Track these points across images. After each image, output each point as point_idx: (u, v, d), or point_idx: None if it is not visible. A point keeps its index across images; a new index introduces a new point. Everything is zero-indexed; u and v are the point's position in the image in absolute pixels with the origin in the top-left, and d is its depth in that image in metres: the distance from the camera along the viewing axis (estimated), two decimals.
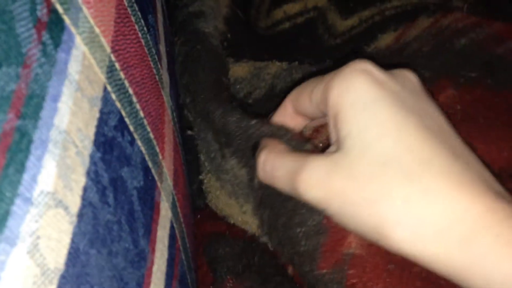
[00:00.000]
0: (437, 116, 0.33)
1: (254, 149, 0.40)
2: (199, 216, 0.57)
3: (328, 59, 0.59)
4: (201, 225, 0.55)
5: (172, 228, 0.37)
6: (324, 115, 0.36)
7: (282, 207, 0.37)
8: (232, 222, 0.51)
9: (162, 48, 0.43)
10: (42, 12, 0.22)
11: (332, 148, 0.34)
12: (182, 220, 0.41)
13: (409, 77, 0.35)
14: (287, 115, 0.40)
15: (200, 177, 0.54)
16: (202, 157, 0.52)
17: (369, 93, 0.31)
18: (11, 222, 0.20)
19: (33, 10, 0.22)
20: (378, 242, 0.30)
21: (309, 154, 0.34)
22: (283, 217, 0.37)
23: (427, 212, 0.28)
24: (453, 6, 0.56)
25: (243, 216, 0.47)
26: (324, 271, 0.34)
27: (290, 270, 0.53)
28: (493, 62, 0.44)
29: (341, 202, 0.31)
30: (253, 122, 0.41)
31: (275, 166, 0.35)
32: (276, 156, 0.36)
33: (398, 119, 0.31)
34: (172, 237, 0.36)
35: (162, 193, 0.35)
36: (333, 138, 0.34)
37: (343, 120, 0.32)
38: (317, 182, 0.32)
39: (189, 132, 0.52)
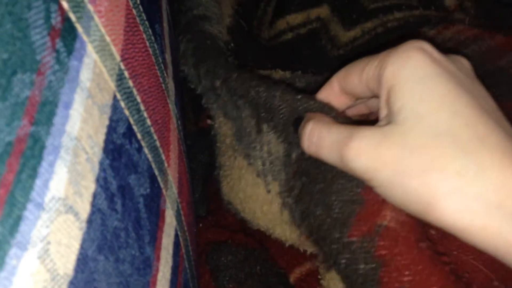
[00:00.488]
0: (489, 99, 0.34)
1: (296, 124, 0.40)
2: (201, 224, 0.57)
3: (331, 69, 0.59)
4: (203, 233, 0.55)
5: (176, 236, 0.37)
6: (372, 94, 0.36)
7: (321, 176, 0.37)
8: (245, 211, 0.50)
9: (168, 57, 0.43)
10: (56, 20, 0.23)
11: (382, 123, 0.34)
12: (186, 228, 0.41)
13: (463, 62, 0.36)
14: (332, 94, 0.40)
15: (216, 172, 0.53)
16: (225, 143, 0.51)
17: (426, 68, 0.32)
18: (23, 227, 0.20)
19: (47, 18, 0.22)
20: (422, 213, 0.30)
21: (359, 126, 0.34)
22: (321, 184, 0.37)
23: (480, 186, 0.29)
24: (455, 18, 0.57)
25: (266, 196, 0.46)
26: (354, 239, 0.34)
27: (292, 278, 0.53)
28: (496, 73, 0.45)
29: (390, 171, 0.31)
30: (299, 96, 0.41)
31: (322, 135, 0.35)
32: (324, 126, 0.36)
33: (454, 95, 0.31)
34: (176, 245, 0.36)
35: (167, 201, 0.35)
36: (382, 113, 0.34)
37: (398, 94, 0.32)
38: (367, 150, 0.32)
39: (209, 122, 0.53)
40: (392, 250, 0.33)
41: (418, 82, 0.32)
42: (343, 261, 0.35)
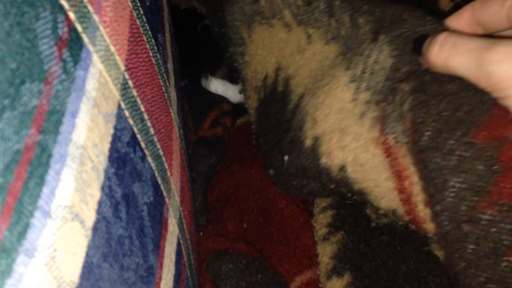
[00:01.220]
0: None
1: (416, 42, 0.41)
2: (201, 233, 0.57)
3: None
4: (203, 242, 0.55)
5: (178, 244, 0.37)
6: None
7: (442, 88, 0.38)
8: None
9: (170, 66, 0.44)
10: (63, 30, 0.23)
11: None
12: (188, 236, 0.41)
13: None
14: (462, 23, 0.40)
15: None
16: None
17: None
18: (30, 235, 0.20)
19: (54, 28, 0.23)
20: None
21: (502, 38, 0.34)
22: (445, 98, 0.38)
23: None
24: None
25: (348, 104, 0.47)
26: (478, 141, 0.35)
27: (292, 287, 0.53)
28: None
29: None
30: (429, 17, 0.42)
31: (459, 42, 0.35)
32: (459, 36, 0.36)
33: None
34: (178, 253, 0.37)
35: (170, 209, 0.36)
36: None
37: None
38: None
39: None
40: None
41: None
42: (455, 158, 0.36)
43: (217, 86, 0.80)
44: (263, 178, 0.62)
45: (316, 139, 0.47)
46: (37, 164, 0.20)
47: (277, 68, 0.54)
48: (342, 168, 0.46)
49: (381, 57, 0.44)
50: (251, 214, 0.60)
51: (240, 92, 0.63)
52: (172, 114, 0.40)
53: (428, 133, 0.38)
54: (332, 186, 0.48)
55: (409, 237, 0.53)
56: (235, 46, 0.57)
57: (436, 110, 0.38)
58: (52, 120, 0.22)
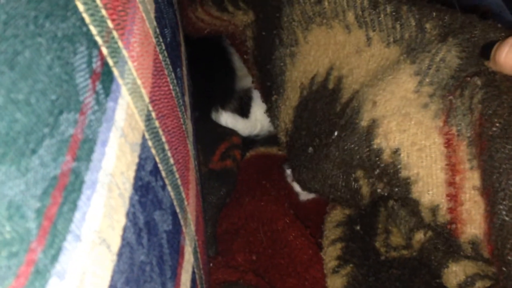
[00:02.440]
0: None
1: (485, 48, 0.44)
2: (211, 264, 0.57)
3: None
4: (213, 273, 0.55)
5: (193, 273, 0.38)
6: None
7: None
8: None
9: (187, 99, 0.45)
10: (96, 64, 0.25)
11: None
12: (201, 266, 0.42)
13: None
14: None
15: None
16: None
17: None
18: (62, 257, 0.21)
19: (89, 63, 0.24)
20: None
21: None
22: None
23: None
24: None
25: (409, 93, 0.48)
26: None
27: None
28: None
29: None
30: (499, 25, 0.45)
31: None
32: None
33: None
34: (193, 281, 0.37)
35: (187, 238, 0.36)
36: None
37: None
38: None
39: None
40: None
41: None
42: None
43: (227, 119, 0.81)
44: (272, 211, 0.63)
45: (374, 121, 0.48)
46: (71, 189, 0.21)
47: (330, 67, 0.56)
48: (396, 151, 0.47)
49: (448, 56, 0.46)
50: (260, 246, 0.60)
51: (269, 101, 0.64)
52: (189, 145, 0.41)
53: (499, 124, 0.40)
54: (377, 171, 0.49)
55: (419, 270, 0.53)
56: (286, 47, 0.59)
57: (509, 103, 0.40)
58: (85, 148, 0.23)
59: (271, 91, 0.63)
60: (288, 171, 0.71)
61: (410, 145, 0.46)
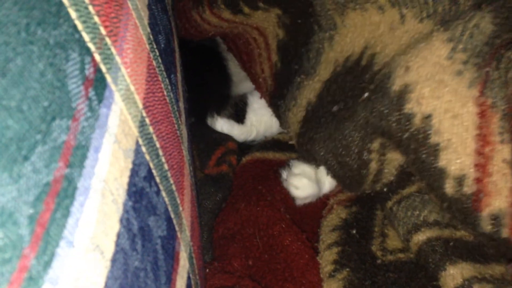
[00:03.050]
0: None
1: None
2: (207, 270, 0.57)
3: None
4: (210, 279, 0.55)
5: (188, 278, 0.37)
6: None
7: None
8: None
9: (181, 105, 0.45)
10: (89, 71, 0.25)
11: None
12: (197, 271, 0.41)
13: None
14: None
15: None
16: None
17: None
18: (55, 264, 0.21)
19: (82, 69, 0.24)
20: None
21: None
22: None
23: None
24: None
25: (444, 60, 0.48)
26: None
27: None
28: None
29: None
30: None
31: None
32: None
33: None
34: (189, 287, 0.37)
35: (182, 244, 0.36)
36: None
37: None
38: None
39: None
40: None
41: None
42: None
43: (222, 125, 0.81)
44: (268, 216, 0.63)
45: (406, 86, 0.48)
46: (64, 196, 0.22)
47: (364, 47, 0.56)
48: (428, 116, 0.47)
49: (482, 22, 0.46)
50: (256, 251, 0.60)
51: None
52: (184, 151, 0.41)
53: None
54: (406, 135, 0.49)
55: (416, 274, 0.53)
56: (325, 31, 0.59)
57: None
58: (78, 155, 0.23)
59: (295, 74, 0.64)
60: (284, 175, 0.71)
61: (444, 112, 0.46)
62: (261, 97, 0.76)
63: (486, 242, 0.49)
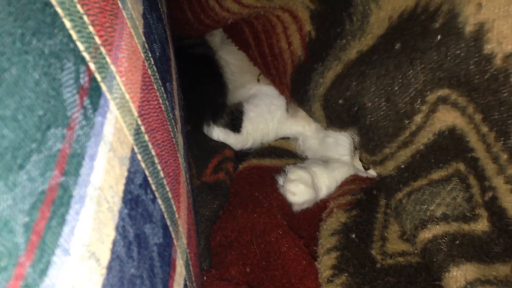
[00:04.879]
0: None
1: None
2: (205, 277, 0.57)
3: None
4: (208, 286, 0.55)
5: (185, 286, 0.37)
6: None
7: None
8: None
9: (177, 113, 0.45)
10: (84, 80, 0.25)
11: None
12: (193, 279, 0.41)
13: None
14: None
15: None
16: None
17: None
18: (51, 272, 0.21)
19: (77, 78, 0.24)
20: None
21: None
22: None
23: None
24: None
25: None
26: None
27: None
28: None
29: None
30: None
31: None
32: None
33: None
34: None
35: (178, 251, 0.36)
36: None
37: None
38: None
39: None
40: None
41: None
42: None
43: (218, 134, 0.82)
44: (265, 222, 0.63)
45: (481, 25, 0.47)
46: (59, 204, 0.22)
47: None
48: (510, 55, 0.46)
49: None
50: (254, 258, 0.60)
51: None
52: (180, 159, 0.42)
53: None
54: (486, 76, 0.48)
55: (415, 278, 0.53)
56: None
57: None
58: (74, 163, 0.23)
59: (336, 38, 0.63)
60: (281, 182, 0.71)
61: None
62: (273, 78, 0.76)
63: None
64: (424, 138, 0.54)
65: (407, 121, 0.54)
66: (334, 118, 0.63)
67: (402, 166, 0.56)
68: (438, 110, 0.52)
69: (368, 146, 0.58)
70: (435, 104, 0.52)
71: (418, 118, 0.53)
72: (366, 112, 0.56)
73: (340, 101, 0.59)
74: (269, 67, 0.77)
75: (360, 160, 0.69)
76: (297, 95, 0.70)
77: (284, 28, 0.72)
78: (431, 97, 0.52)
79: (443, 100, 0.52)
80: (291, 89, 0.72)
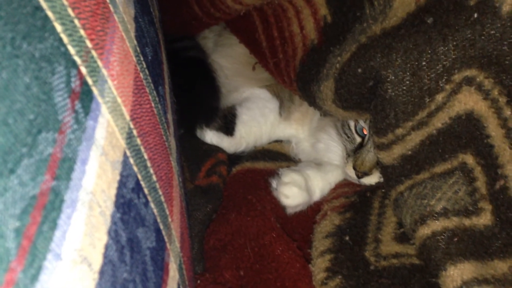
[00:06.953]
0: None
1: None
2: (199, 281, 0.57)
3: None
4: None
5: None
6: None
7: None
8: None
9: (170, 116, 0.45)
10: (75, 83, 0.25)
11: None
12: (187, 282, 0.41)
13: None
14: None
15: None
16: None
17: None
18: (42, 277, 0.21)
19: (68, 82, 0.24)
20: None
21: None
22: None
23: None
24: None
25: None
26: None
27: None
28: None
29: None
30: None
31: None
32: None
33: None
34: None
35: (171, 255, 0.36)
36: None
37: None
38: None
39: None
40: None
41: None
42: None
43: (212, 137, 0.82)
44: (259, 225, 0.63)
45: None
46: (50, 208, 0.22)
47: None
48: None
49: None
50: (247, 261, 0.60)
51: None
52: (172, 162, 0.41)
53: None
54: None
55: (409, 279, 0.53)
56: None
57: None
58: (65, 167, 0.23)
59: (354, 22, 0.62)
60: (274, 185, 0.71)
61: None
62: (277, 63, 0.76)
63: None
64: (440, 121, 0.53)
65: (428, 99, 0.53)
66: (345, 92, 0.61)
67: (409, 153, 0.55)
68: (461, 91, 0.52)
69: (382, 124, 0.57)
70: (459, 85, 0.51)
71: (439, 97, 0.52)
72: (387, 85, 0.55)
73: (359, 70, 0.58)
74: (276, 51, 0.76)
75: (354, 168, 0.69)
76: (307, 75, 0.69)
77: (297, 12, 0.71)
78: (458, 77, 0.51)
79: (469, 81, 0.51)
80: (299, 71, 0.71)
